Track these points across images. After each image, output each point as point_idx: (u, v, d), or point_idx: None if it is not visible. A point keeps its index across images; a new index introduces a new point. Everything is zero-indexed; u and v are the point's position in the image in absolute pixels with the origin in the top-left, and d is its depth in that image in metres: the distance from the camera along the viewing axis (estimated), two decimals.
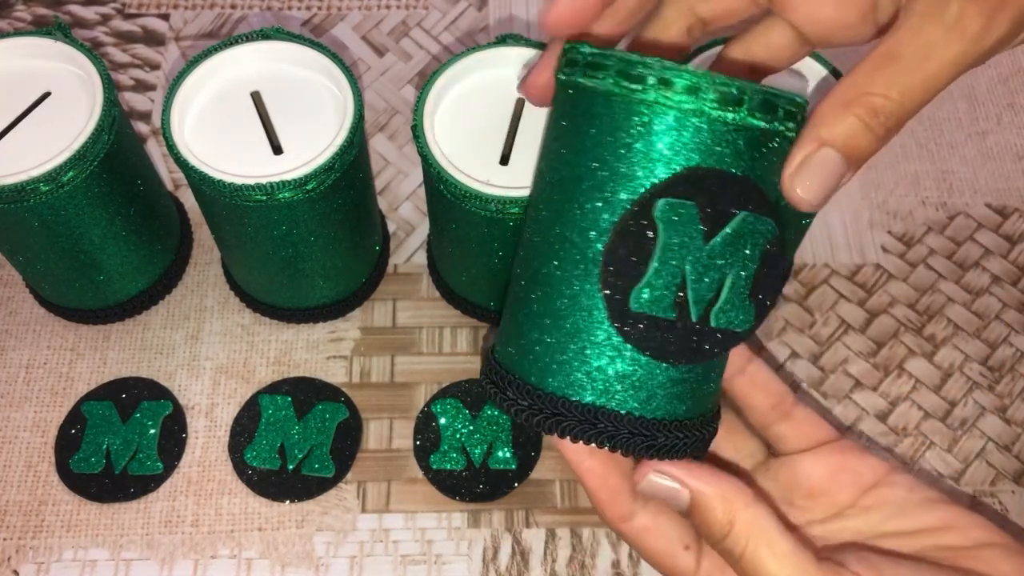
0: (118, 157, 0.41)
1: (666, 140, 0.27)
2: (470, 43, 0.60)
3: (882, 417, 0.48)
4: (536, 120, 0.41)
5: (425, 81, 0.41)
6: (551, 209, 0.30)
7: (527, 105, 0.42)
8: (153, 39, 0.59)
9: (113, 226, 0.43)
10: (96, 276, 0.45)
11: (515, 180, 0.39)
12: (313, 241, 0.42)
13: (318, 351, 0.49)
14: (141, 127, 0.56)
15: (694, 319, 0.28)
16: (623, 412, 0.29)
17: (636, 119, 0.28)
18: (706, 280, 0.28)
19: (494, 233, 0.41)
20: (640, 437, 0.29)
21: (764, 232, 0.28)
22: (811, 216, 0.43)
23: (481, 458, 0.45)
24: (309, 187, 0.39)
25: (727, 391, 0.36)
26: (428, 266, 0.51)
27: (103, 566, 0.43)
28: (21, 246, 0.43)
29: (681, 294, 0.28)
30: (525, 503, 0.45)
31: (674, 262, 0.28)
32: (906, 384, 0.49)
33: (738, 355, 0.35)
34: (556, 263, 0.30)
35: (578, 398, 0.30)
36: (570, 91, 0.30)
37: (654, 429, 0.29)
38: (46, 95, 0.42)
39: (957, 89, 0.59)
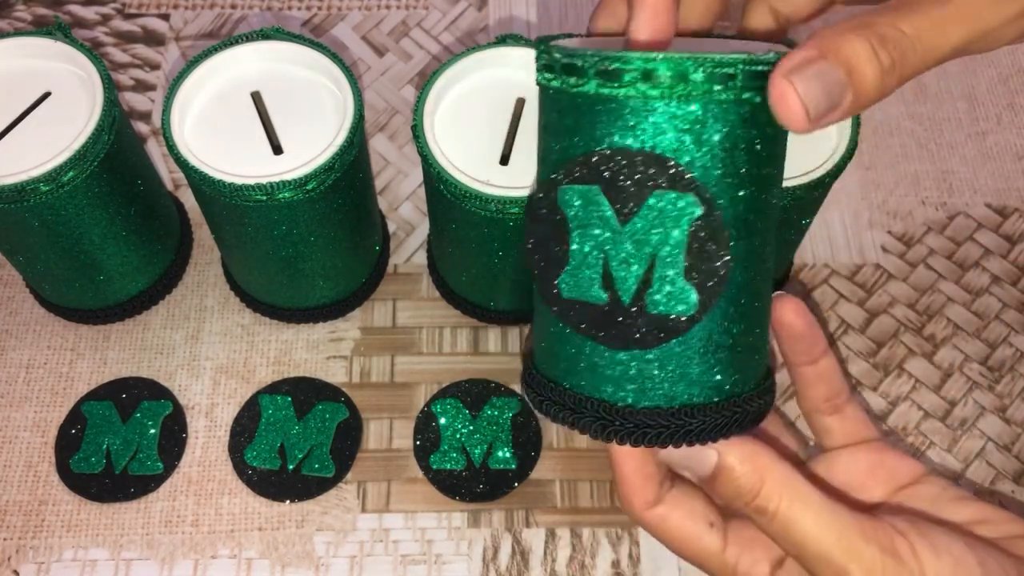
0: (118, 157, 0.41)
1: (578, 124, 0.26)
2: (470, 43, 0.60)
3: (882, 417, 0.48)
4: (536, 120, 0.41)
5: (425, 81, 0.41)
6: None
7: (527, 105, 0.42)
8: (153, 39, 0.59)
9: (113, 226, 0.43)
10: (96, 276, 0.45)
11: (515, 180, 0.39)
12: (313, 241, 0.42)
13: (318, 351, 0.49)
14: (141, 127, 0.56)
15: (627, 303, 0.27)
16: (589, 397, 0.29)
17: (550, 106, 0.28)
18: (630, 262, 0.26)
19: (494, 233, 0.41)
20: (600, 421, 0.29)
21: (688, 210, 0.26)
22: (811, 216, 0.43)
23: (481, 458, 0.45)
24: (309, 187, 0.39)
25: (793, 376, 0.35)
26: (428, 266, 0.51)
27: (103, 566, 0.43)
28: (21, 246, 0.43)
29: (607, 278, 0.27)
30: (525, 503, 0.45)
31: (587, 247, 0.27)
32: (906, 384, 0.49)
33: (817, 346, 0.33)
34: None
35: (572, 386, 0.29)
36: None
37: (621, 416, 0.28)
38: (46, 95, 0.42)
39: (957, 89, 0.59)
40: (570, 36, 0.32)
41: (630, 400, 0.28)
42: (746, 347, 0.29)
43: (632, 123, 0.26)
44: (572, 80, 0.26)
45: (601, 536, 0.44)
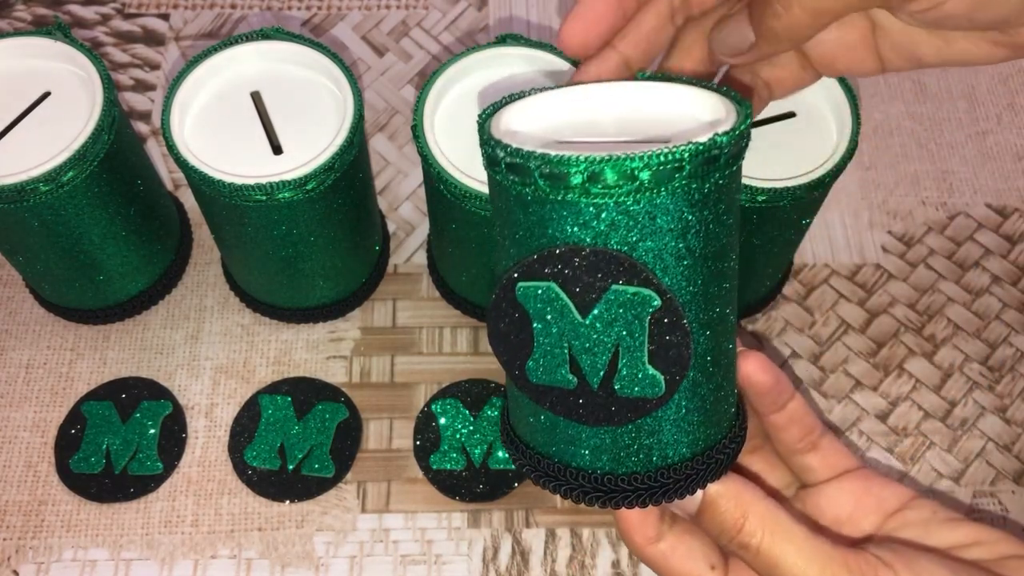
0: (118, 157, 0.41)
1: (529, 221, 0.27)
2: (470, 43, 0.60)
3: (882, 417, 0.48)
4: None
5: (425, 81, 0.41)
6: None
7: None
8: (153, 39, 0.59)
9: (113, 226, 0.43)
10: (96, 276, 0.45)
11: None
12: (313, 241, 0.42)
13: (318, 351, 0.49)
14: (141, 127, 0.56)
15: (595, 388, 0.28)
16: (567, 464, 0.30)
17: (500, 195, 0.27)
18: (595, 352, 0.27)
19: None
20: (580, 489, 0.29)
21: (646, 302, 0.26)
22: (811, 216, 0.43)
23: (481, 458, 0.45)
24: (309, 187, 0.39)
25: (764, 425, 0.35)
26: (428, 266, 0.51)
27: (103, 566, 0.43)
28: (21, 246, 0.43)
29: (575, 366, 0.27)
30: (525, 503, 0.45)
31: (550, 338, 0.27)
32: (906, 384, 0.49)
33: (783, 394, 0.34)
34: None
35: (534, 446, 0.30)
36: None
37: (600, 482, 0.29)
38: (46, 95, 0.42)
39: (957, 89, 0.59)
40: (519, 96, 0.31)
41: (607, 468, 0.29)
42: (715, 401, 0.29)
43: (582, 220, 0.26)
44: (518, 179, 0.26)
45: (601, 536, 0.44)
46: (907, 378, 0.49)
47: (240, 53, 0.42)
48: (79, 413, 0.46)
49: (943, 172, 0.56)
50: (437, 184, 0.39)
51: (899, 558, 0.29)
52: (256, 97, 0.42)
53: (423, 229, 0.53)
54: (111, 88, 0.41)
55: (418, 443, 0.46)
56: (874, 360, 0.50)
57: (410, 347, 0.49)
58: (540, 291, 0.27)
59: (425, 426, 0.46)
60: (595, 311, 0.27)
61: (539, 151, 0.25)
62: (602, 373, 0.27)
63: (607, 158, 0.25)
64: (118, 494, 0.44)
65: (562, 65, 0.41)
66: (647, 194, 0.25)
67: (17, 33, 0.42)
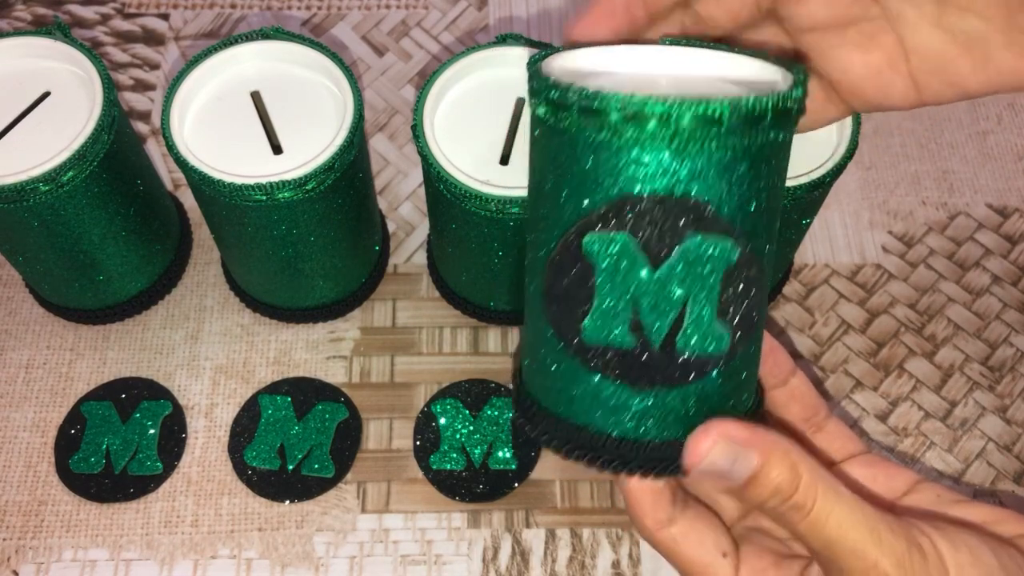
0: (118, 157, 0.41)
1: (601, 169, 0.26)
2: (470, 43, 0.60)
3: (882, 417, 0.48)
4: None
5: (425, 81, 0.41)
6: (526, 228, 0.30)
7: (527, 105, 0.42)
8: (153, 39, 0.59)
9: (113, 226, 0.43)
10: (96, 276, 0.45)
11: (515, 180, 0.39)
12: (313, 241, 0.42)
13: (318, 351, 0.49)
14: (141, 127, 0.56)
15: (656, 347, 0.27)
16: (606, 434, 0.28)
17: (562, 146, 0.26)
18: (661, 308, 0.26)
19: (494, 233, 0.40)
20: (628, 459, 0.28)
21: (724, 254, 0.26)
22: (811, 216, 0.43)
23: (481, 458, 0.45)
24: (309, 187, 0.39)
25: (767, 403, 0.35)
26: (428, 266, 0.51)
27: (103, 566, 0.43)
28: (21, 246, 0.43)
29: (636, 323, 0.26)
30: (525, 503, 0.45)
31: (614, 294, 0.26)
32: (906, 384, 0.49)
33: (782, 367, 0.34)
34: (531, 286, 0.29)
35: (569, 418, 0.29)
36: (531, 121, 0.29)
37: (642, 451, 0.28)
38: (46, 95, 0.42)
39: None
40: (558, 50, 0.31)
41: (653, 435, 0.28)
42: (756, 365, 0.29)
43: (661, 168, 0.25)
44: (593, 123, 0.25)
45: (601, 536, 0.44)
46: (907, 378, 0.49)
47: (240, 53, 0.42)
48: (79, 413, 0.46)
49: (943, 172, 0.56)
50: (437, 184, 0.39)
51: (933, 527, 0.29)
52: (256, 97, 0.42)
53: (423, 229, 0.53)
54: (111, 88, 0.41)
55: (418, 443, 0.46)
56: (874, 360, 0.50)
57: (410, 347, 0.49)
58: (610, 242, 0.26)
59: (425, 426, 0.46)
60: (667, 263, 0.26)
61: (621, 93, 0.24)
62: (665, 331, 0.26)
63: (693, 101, 0.24)
64: (118, 494, 0.44)
65: None
66: (729, 141, 0.25)
67: (17, 33, 0.42)
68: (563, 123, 0.26)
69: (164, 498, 0.45)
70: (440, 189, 0.39)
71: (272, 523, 0.44)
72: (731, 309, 0.26)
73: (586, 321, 0.27)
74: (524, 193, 0.38)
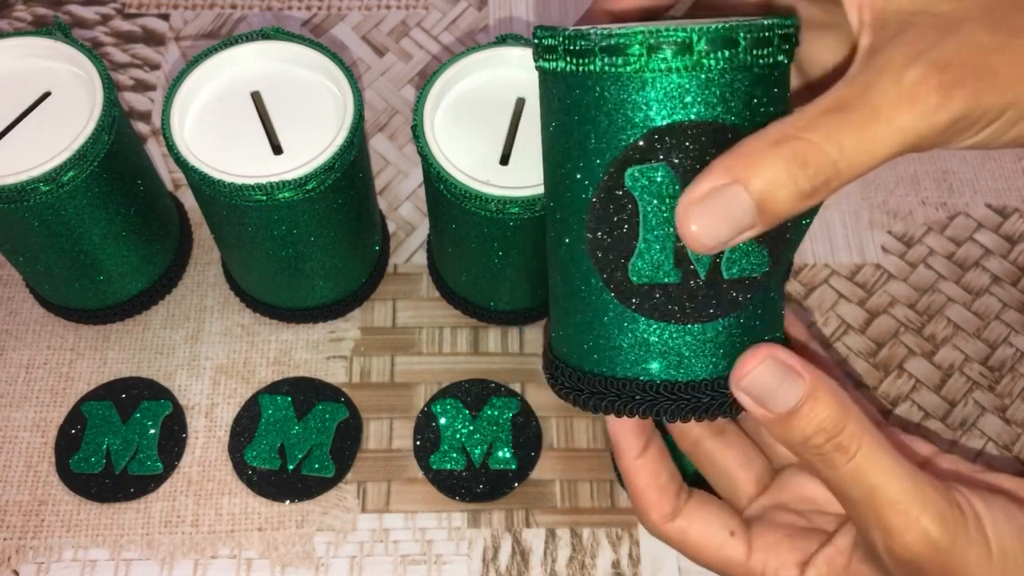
0: (118, 157, 0.41)
1: (630, 105, 0.26)
2: (470, 43, 0.60)
3: (882, 417, 0.48)
4: (536, 120, 0.41)
5: (425, 81, 0.41)
6: (549, 193, 0.31)
7: (527, 105, 0.42)
8: (153, 39, 0.59)
9: (113, 226, 0.43)
10: (96, 276, 0.45)
11: (515, 180, 0.39)
12: (313, 241, 0.42)
13: (318, 351, 0.49)
14: (141, 127, 0.56)
15: (703, 276, 0.27)
16: (660, 380, 0.29)
17: (587, 93, 0.27)
18: None
19: (494, 233, 0.41)
20: (680, 401, 0.28)
21: None
22: (812, 216, 0.43)
23: (481, 458, 0.45)
24: (309, 187, 0.39)
25: None
26: (428, 266, 0.51)
27: (103, 566, 0.43)
28: (21, 246, 0.43)
29: (682, 254, 0.27)
30: (525, 503, 0.45)
31: (660, 227, 0.27)
32: (906, 384, 0.49)
33: (799, 333, 0.33)
34: (562, 247, 0.30)
35: (613, 374, 0.29)
36: (539, 74, 0.30)
37: (693, 391, 0.28)
38: (46, 95, 0.42)
39: None
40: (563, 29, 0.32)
41: (701, 374, 0.29)
42: (783, 299, 0.30)
43: (689, 95, 0.26)
44: (619, 60, 0.26)
45: (601, 536, 0.44)
46: (907, 378, 0.49)
47: (240, 53, 0.42)
48: (79, 413, 0.46)
49: (943, 172, 0.56)
50: (437, 184, 0.39)
51: (968, 489, 0.29)
52: (256, 97, 0.42)
53: (423, 229, 0.53)
54: (111, 88, 0.41)
55: (418, 443, 0.46)
56: (874, 360, 0.50)
57: (410, 347, 0.49)
58: (650, 174, 0.26)
59: (425, 426, 0.46)
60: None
61: (641, 25, 0.25)
62: (709, 260, 0.27)
63: (710, 26, 0.25)
64: (118, 494, 0.44)
65: None
66: (745, 67, 0.26)
67: (17, 33, 0.42)
68: (587, 67, 0.26)
69: (164, 498, 0.45)
70: (440, 189, 0.39)
71: (272, 523, 0.44)
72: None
73: (634, 260, 0.27)
74: (524, 193, 0.38)
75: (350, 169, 0.40)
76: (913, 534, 0.27)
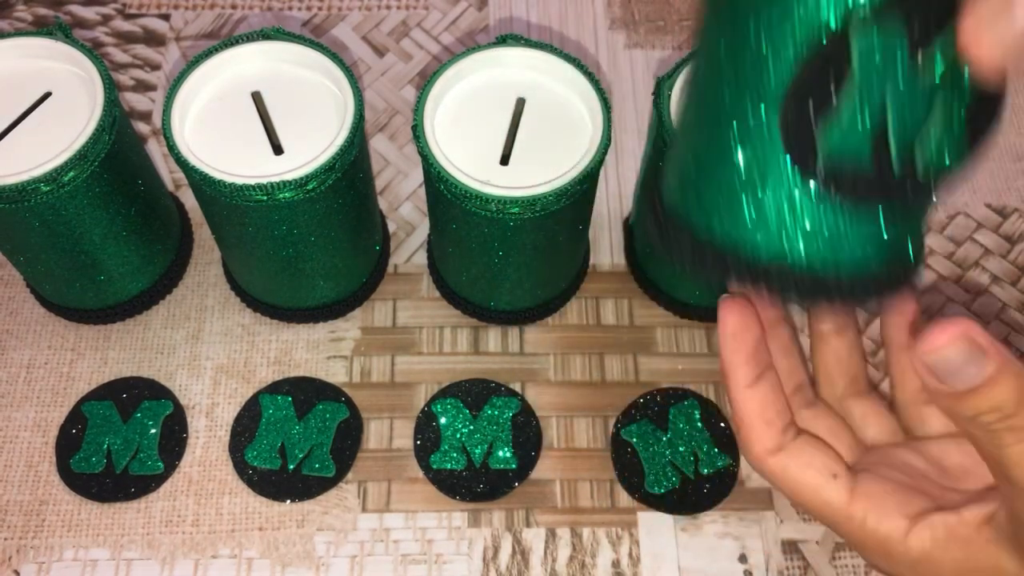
0: (118, 157, 0.42)
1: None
2: (470, 43, 0.60)
3: None
4: (536, 120, 0.41)
5: (425, 81, 0.41)
6: (725, 58, 0.27)
7: (527, 105, 0.42)
8: (153, 39, 0.59)
9: (114, 226, 0.43)
10: (97, 276, 0.45)
11: (515, 180, 0.39)
12: (313, 241, 0.42)
13: (318, 351, 0.49)
14: (141, 127, 0.56)
15: (896, 162, 0.24)
16: (837, 267, 0.26)
17: None
18: (910, 114, 0.24)
19: (494, 233, 0.41)
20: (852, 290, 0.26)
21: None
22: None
23: (481, 458, 0.45)
24: (309, 187, 0.39)
25: (894, 366, 0.34)
26: (428, 266, 0.51)
27: (104, 566, 0.43)
28: (22, 246, 0.43)
29: (880, 134, 0.24)
30: (525, 503, 0.45)
31: (872, 99, 0.24)
32: None
33: (906, 332, 0.33)
34: (742, 121, 0.26)
35: (756, 253, 0.27)
36: None
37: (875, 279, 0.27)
38: (47, 95, 0.42)
39: None
40: None
41: (872, 268, 0.27)
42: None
43: None
44: None
45: (601, 536, 0.44)
46: None
47: (240, 53, 0.42)
48: (80, 413, 0.46)
49: None
50: (437, 184, 0.39)
51: None
52: (256, 97, 0.42)
53: (423, 229, 0.53)
54: (112, 88, 0.41)
55: (418, 443, 0.46)
56: (874, 360, 0.50)
57: (410, 347, 0.49)
58: (884, 38, 0.23)
59: (425, 426, 0.46)
60: (932, 62, 0.23)
61: None
62: (910, 142, 0.24)
63: None
64: (119, 494, 0.44)
65: (562, 65, 0.41)
66: None
67: (18, 33, 0.42)
68: None
69: (165, 498, 0.45)
70: (440, 189, 0.39)
71: (273, 522, 0.44)
72: (975, 114, 0.24)
73: (829, 131, 0.24)
74: (524, 193, 0.38)
75: (350, 169, 0.40)
76: None
